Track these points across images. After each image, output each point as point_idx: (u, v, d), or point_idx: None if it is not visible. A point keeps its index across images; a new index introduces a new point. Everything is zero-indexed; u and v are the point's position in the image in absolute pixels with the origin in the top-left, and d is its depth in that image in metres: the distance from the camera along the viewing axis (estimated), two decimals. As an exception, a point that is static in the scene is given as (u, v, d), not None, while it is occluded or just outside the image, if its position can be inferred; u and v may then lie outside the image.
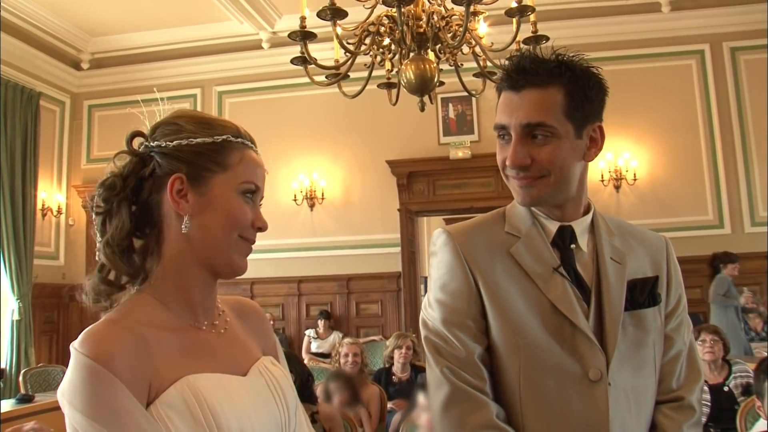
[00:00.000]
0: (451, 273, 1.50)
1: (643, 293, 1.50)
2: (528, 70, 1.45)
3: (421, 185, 8.92)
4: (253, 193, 1.27)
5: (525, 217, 1.54)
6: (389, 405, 5.06)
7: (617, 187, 8.47)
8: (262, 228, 1.28)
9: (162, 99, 1.44)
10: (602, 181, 8.41)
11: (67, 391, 1.09)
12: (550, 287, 1.45)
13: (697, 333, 4.44)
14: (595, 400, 1.40)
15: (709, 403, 4.14)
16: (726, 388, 4.18)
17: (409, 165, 8.82)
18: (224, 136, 1.25)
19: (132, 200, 1.25)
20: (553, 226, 1.52)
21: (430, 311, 1.51)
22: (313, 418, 3.50)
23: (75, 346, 1.09)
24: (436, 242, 1.55)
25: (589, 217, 1.56)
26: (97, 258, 1.26)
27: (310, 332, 8.42)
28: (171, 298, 1.23)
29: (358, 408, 4.48)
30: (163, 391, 1.11)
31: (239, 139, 1.27)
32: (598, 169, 8.33)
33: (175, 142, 1.24)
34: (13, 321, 8.40)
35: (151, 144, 1.26)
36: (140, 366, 1.11)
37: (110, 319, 1.17)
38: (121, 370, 1.08)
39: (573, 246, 1.51)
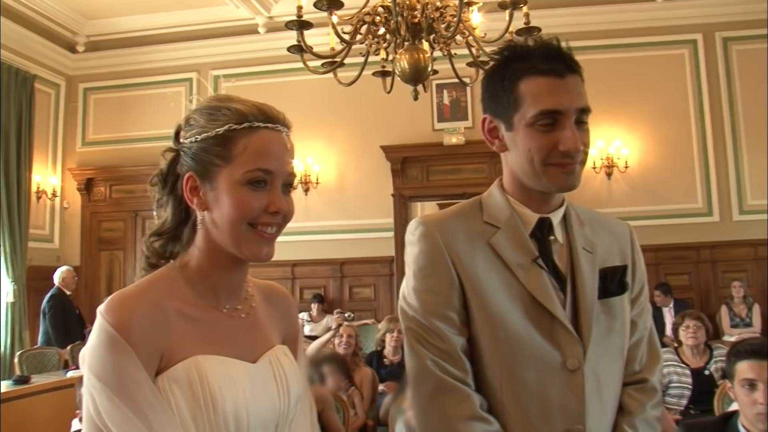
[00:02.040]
0: (431, 264, 1.50)
1: (613, 282, 1.53)
2: (565, 57, 1.46)
3: (415, 171, 8.99)
4: (262, 180, 1.23)
5: (503, 207, 1.54)
6: (380, 387, 5.17)
7: (609, 175, 8.54)
8: (278, 212, 1.26)
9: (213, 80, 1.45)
10: (594, 168, 8.47)
11: (87, 354, 1.16)
12: (530, 278, 1.47)
13: (681, 319, 4.56)
14: (573, 388, 1.45)
15: (690, 386, 4.26)
16: (707, 372, 4.28)
17: (403, 150, 8.88)
18: (226, 126, 1.23)
19: (176, 194, 1.31)
20: (532, 217, 1.52)
21: (410, 302, 1.51)
22: None
23: (101, 310, 1.17)
24: (415, 233, 1.54)
25: (563, 208, 1.57)
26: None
27: (303, 315, 8.51)
28: (196, 280, 1.28)
29: (351, 390, 4.57)
30: (172, 365, 1.18)
31: (245, 124, 1.23)
32: (590, 156, 8.36)
33: (188, 140, 1.27)
34: (7, 303, 8.44)
35: (180, 140, 1.30)
36: (156, 336, 1.18)
37: (138, 286, 1.24)
38: (137, 338, 1.15)
39: (552, 237, 1.53)
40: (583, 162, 1.49)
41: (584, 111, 1.47)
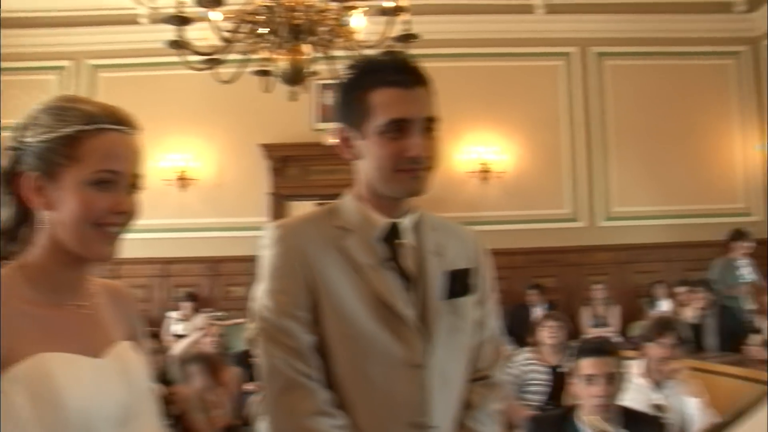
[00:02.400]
0: (285, 266, 1.57)
1: (459, 283, 1.63)
2: (413, 70, 1.56)
3: (294, 170, 8.92)
4: (108, 181, 1.25)
5: (355, 212, 1.63)
6: (248, 386, 5.18)
7: (484, 179, 8.68)
8: (123, 212, 1.27)
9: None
10: (470, 173, 8.63)
11: None
12: (378, 279, 1.56)
13: (543, 319, 4.85)
14: (417, 383, 1.55)
15: (547, 384, 4.48)
16: (561, 369, 4.51)
17: (282, 149, 8.79)
18: (73, 128, 1.24)
19: (16, 194, 1.29)
20: (381, 222, 1.61)
21: (264, 303, 1.58)
22: (169, 400, 3.52)
23: None
24: (271, 237, 1.61)
25: (415, 214, 1.65)
26: None
27: (172, 314, 8.28)
28: (38, 279, 1.27)
29: (218, 389, 4.54)
30: (12, 365, 1.16)
31: (93, 126, 1.25)
32: (466, 161, 8.60)
33: (32, 139, 1.26)
34: None
35: (23, 139, 1.28)
36: None
37: None
38: None
39: (400, 241, 1.61)
40: (431, 168, 1.58)
41: (431, 120, 1.57)
